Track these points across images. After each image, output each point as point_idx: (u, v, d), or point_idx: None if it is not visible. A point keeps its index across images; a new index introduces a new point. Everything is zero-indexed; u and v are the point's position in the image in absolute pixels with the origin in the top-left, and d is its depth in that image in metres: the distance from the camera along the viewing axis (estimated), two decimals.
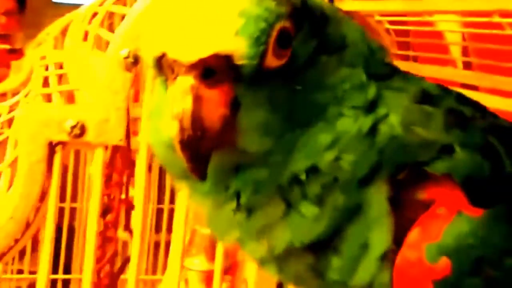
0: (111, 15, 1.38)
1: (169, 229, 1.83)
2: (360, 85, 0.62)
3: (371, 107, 0.62)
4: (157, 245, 2.37)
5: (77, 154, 2.35)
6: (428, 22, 1.69)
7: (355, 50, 0.65)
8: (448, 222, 0.59)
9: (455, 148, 0.61)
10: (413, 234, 0.59)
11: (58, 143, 0.91)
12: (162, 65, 0.60)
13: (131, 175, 1.24)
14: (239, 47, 0.56)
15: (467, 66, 1.76)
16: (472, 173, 0.60)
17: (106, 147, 0.92)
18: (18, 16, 2.89)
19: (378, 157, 0.61)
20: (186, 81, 0.57)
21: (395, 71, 0.68)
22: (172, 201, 2.28)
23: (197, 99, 0.56)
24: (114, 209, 1.30)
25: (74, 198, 2.41)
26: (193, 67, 0.56)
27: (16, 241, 0.95)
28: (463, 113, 0.64)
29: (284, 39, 0.59)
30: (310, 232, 0.61)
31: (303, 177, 0.61)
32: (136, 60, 0.88)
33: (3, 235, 0.93)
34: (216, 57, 0.56)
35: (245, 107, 0.59)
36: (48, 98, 1.18)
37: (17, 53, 2.65)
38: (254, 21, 0.57)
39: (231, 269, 1.15)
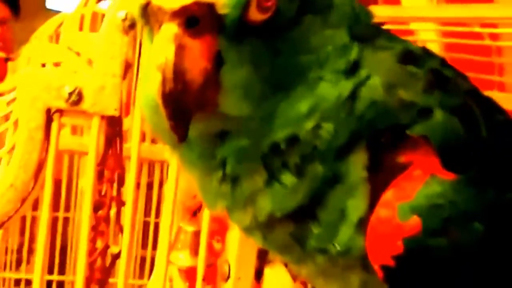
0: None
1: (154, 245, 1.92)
2: (343, 47, 0.62)
3: (352, 69, 0.61)
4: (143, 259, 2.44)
5: (70, 168, 2.45)
6: (409, 30, 1.68)
7: (341, 10, 0.64)
8: (421, 184, 0.59)
9: (434, 110, 0.61)
10: (388, 194, 0.60)
11: (56, 110, 0.91)
12: (148, 14, 0.59)
13: (122, 174, 1.25)
14: None
15: None
16: (448, 137, 0.61)
17: (103, 117, 0.92)
18: (11, 24, 2.88)
19: (358, 124, 0.61)
20: (170, 29, 0.56)
21: (381, 32, 0.68)
22: (157, 215, 2.36)
23: (180, 48, 0.55)
24: (106, 205, 1.32)
25: (67, 209, 2.51)
26: (176, 15, 0.55)
27: (16, 210, 0.95)
28: (445, 75, 0.65)
29: None
30: (290, 201, 0.61)
31: (282, 146, 0.60)
32: (133, 24, 0.88)
33: (4, 202, 0.93)
34: (199, 4, 0.55)
35: (228, 63, 0.58)
36: None
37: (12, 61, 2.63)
38: None
39: (213, 264, 1.17)
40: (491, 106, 0.67)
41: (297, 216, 0.62)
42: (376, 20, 0.68)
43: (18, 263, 2.43)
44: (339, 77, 0.60)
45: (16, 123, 1.12)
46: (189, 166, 0.67)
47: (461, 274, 0.60)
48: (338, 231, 0.62)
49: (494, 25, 1.45)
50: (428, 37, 1.68)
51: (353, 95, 0.60)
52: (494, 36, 1.50)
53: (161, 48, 0.55)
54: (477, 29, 1.48)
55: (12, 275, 2.37)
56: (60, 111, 0.91)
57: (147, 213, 2.45)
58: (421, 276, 0.60)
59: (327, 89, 0.60)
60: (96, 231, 1.33)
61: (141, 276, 2.40)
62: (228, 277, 1.01)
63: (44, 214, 0.96)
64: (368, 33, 0.65)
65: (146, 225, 2.42)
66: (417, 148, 0.60)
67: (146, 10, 0.59)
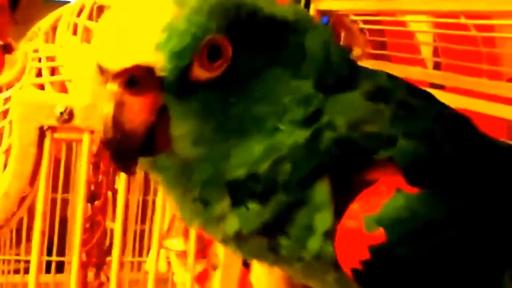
0: (100, 7, 1.42)
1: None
2: (305, 98, 0.66)
3: (312, 118, 0.65)
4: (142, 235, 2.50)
5: (68, 148, 2.43)
6: (401, 22, 1.76)
7: (313, 61, 0.67)
8: (387, 198, 0.65)
9: (398, 138, 0.66)
10: (354, 206, 0.65)
11: (48, 127, 0.98)
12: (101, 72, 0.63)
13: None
14: (158, 61, 0.59)
15: (437, 66, 1.84)
16: (412, 158, 0.66)
17: (92, 132, 0.98)
18: (10, 13, 2.89)
19: (321, 159, 0.65)
20: (112, 88, 0.60)
21: (355, 70, 0.72)
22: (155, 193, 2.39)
23: (119, 105, 0.60)
24: (102, 195, 1.38)
25: (66, 190, 2.52)
26: (118, 75, 0.60)
27: (13, 214, 1.02)
28: (410, 105, 0.70)
29: (214, 53, 0.61)
30: (255, 222, 0.66)
31: (244, 181, 0.65)
32: None
33: None
34: (139, 67, 0.59)
35: (174, 116, 0.62)
36: (41, 88, 1.24)
37: (10, 50, 2.68)
38: (178, 36, 0.59)
39: (206, 248, 1.23)
40: (459, 125, 0.74)
41: (266, 232, 0.67)
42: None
43: (18, 242, 2.47)
44: (295, 127, 0.65)
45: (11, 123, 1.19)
46: (166, 186, 0.71)
47: (424, 277, 0.66)
48: (306, 243, 0.67)
49: (480, 17, 1.51)
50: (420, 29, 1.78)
51: (315, 138, 0.65)
52: (484, 28, 1.54)
53: (104, 103, 0.61)
54: (463, 21, 1.53)
55: (12, 257, 2.42)
56: (53, 128, 0.98)
57: (146, 192, 2.51)
58: (388, 278, 0.66)
59: (283, 138, 0.64)
60: (93, 221, 1.39)
61: (140, 253, 2.48)
62: (217, 266, 1.08)
63: (37, 225, 1.02)
64: (340, 77, 0.69)
65: (145, 202, 2.49)
66: (383, 167, 0.66)
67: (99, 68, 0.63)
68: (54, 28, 2.24)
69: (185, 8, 0.60)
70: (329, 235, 0.66)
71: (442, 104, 0.77)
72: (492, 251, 0.69)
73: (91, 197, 1.35)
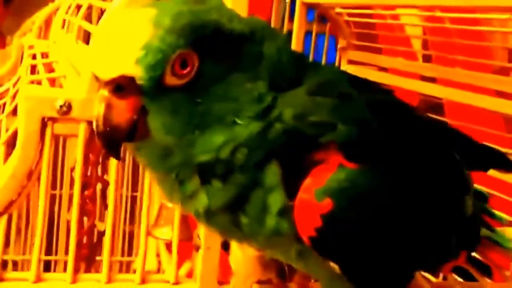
0: (90, 5, 1.53)
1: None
2: (258, 97, 0.81)
3: (264, 113, 0.81)
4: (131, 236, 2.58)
5: (56, 146, 2.43)
6: (390, 15, 1.80)
7: (267, 64, 0.83)
8: (331, 172, 0.80)
9: (337, 125, 0.81)
10: (307, 182, 0.80)
11: (49, 118, 1.12)
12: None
13: (106, 157, 1.43)
14: (138, 72, 0.75)
15: (428, 59, 1.91)
16: (349, 140, 0.81)
17: (89, 122, 1.12)
18: (3, 5, 3.00)
19: (271, 146, 0.81)
20: (103, 93, 0.77)
21: (306, 67, 0.88)
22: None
23: (108, 107, 0.77)
24: (92, 185, 1.49)
25: (53, 187, 2.51)
26: (107, 83, 0.77)
27: (12, 202, 1.16)
28: (347, 95, 0.85)
29: (183, 64, 0.77)
30: (220, 199, 0.82)
31: (209, 164, 0.81)
32: None
33: (6, 191, 1.14)
34: (123, 77, 0.76)
35: (151, 113, 0.78)
36: (39, 83, 1.36)
37: (3, 40, 2.82)
38: (153, 52, 0.75)
39: (191, 237, 1.34)
40: (390, 109, 0.89)
41: (230, 209, 0.83)
42: None
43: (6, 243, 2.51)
44: (250, 121, 0.80)
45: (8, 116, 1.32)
46: (150, 170, 0.89)
47: (367, 236, 0.82)
48: (263, 221, 0.83)
49: (466, 11, 1.54)
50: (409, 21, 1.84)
51: (266, 129, 0.81)
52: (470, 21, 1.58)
53: (97, 105, 0.78)
54: (439, 14, 1.58)
55: (11, 256, 2.41)
56: (53, 119, 1.12)
57: (134, 188, 2.59)
58: (338, 241, 0.82)
59: (240, 130, 0.80)
60: (82, 210, 1.50)
61: (129, 253, 2.54)
62: (199, 247, 1.19)
63: (41, 206, 1.17)
64: (291, 77, 0.85)
65: (134, 200, 2.57)
66: (327, 149, 0.81)
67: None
68: (48, 22, 2.35)
69: (160, 29, 0.76)
70: (283, 213, 0.82)
71: (381, 91, 0.96)
72: (423, 215, 0.86)
73: (82, 187, 1.48)
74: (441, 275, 1.25)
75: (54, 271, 2.33)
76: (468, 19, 1.54)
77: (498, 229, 1.12)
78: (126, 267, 2.49)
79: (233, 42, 0.81)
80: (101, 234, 1.65)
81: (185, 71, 0.77)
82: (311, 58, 1.96)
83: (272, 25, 1.89)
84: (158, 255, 1.95)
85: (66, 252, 1.38)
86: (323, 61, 1.99)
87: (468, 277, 1.18)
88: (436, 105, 1.77)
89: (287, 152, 0.81)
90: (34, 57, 1.72)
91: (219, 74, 0.80)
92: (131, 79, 0.76)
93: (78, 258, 1.42)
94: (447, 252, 0.94)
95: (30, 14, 2.61)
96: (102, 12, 1.43)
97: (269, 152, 0.81)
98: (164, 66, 0.76)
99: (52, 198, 2.40)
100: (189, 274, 1.25)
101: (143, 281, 1.20)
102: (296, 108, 0.81)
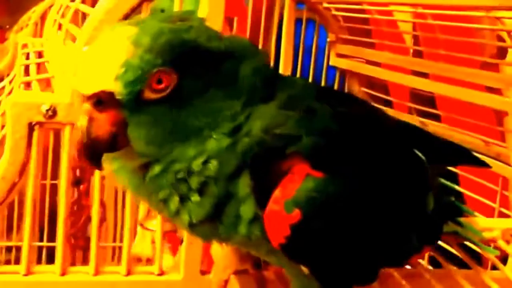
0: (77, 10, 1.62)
1: None
2: (233, 116, 0.87)
3: (235, 130, 0.87)
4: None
5: (57, 135, 2.53)
6: (377, 10, 1.87)
7: (243, 84, 0.88)
8: (300, 183, 0.85)
9: (302, 136, 0.86)
10: (276, 193, 0.85)
11: (36, 123, 1.21)
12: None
13: None
14: (117, 88, 0.81)
15: (419, 55, 1.93)
16: (313, 150, 0.86)
17: (73, 125, 1.21)
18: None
19: (241, 159, 0.86)
20: (85, 106, 0.83)
21: (279, 83, 0.94)
22: None
23: (90, 119, 0.83)
24: (86, 180, 1.58)
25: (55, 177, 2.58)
26: (89, 98, 0.83)
27: (3, 200, 1.25)
28: (313, 109, 0.91)
29: (161, 80, 0.83)
30: (200, 213, 0.88)
31: (181, 176, 0.87)
32: None
33: None
34: (104, 92, 0.81)
35: (130, 125, 0.84)
36: (29, 84, 1.45)
37: (2, 35, 2.94)
38: (131, 70, 0.81)
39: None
40: (354, 118, 0.95)
41: (209, 221, 0.89)
42: None
43: (9, 230, 2.51)
44: (222, 137, 0.86)
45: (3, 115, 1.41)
46: (134, 194, 0.96)
47: (333, 242, 0.88)
48: (237, 228, 0.89)
49: (435, 7, 1.61)
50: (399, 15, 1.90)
51: (235, 143, 0.86)
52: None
53: (80, 118, 0.84)
54: (420, 10, 1.66)
55: (3, 243, 2.44)
56: (40, 123, 1.21)
57: None
58: (307, 247, 0.87)
59: (212, 144, 0.86)
60: (78, 204, 1.59)
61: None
62: (182, 241, 1.28)
63: (28, 210, 1.27)
64: (263, 94, 0.90)
65: None
66: (294, 159, 0.86)
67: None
68: (44, 18, 2.42)
69: (139, 48, 0.82)
70: (254, 221, 0.88)
71: (350, 100, 1.05)
72: (385, 217, 0.92)
73: (76, 182, 1.58)
74: None
75: None
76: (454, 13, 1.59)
77: (468, 220, 1.19)
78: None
79: (212, 60, 0.87)
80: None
81: (162, 87, 0.83)
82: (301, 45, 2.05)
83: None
84: (153, 242, 2.02)
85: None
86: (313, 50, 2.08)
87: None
88: (428, 97, 1.83)
89: (257, 163, 0.87)
90: (28, 56, 1.81)
91: (197, 90, 0.86)
92: (111, 94, 0.82)
93: (75, 247, 1.58)
94: (410, 248, 1.00)
95: (27, 8, 2.71)
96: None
97: (240, 164, 0.87)
98: (143, 83, 0.82)
99: (54, 188, 2.41)
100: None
101: (129, 272, 1.30)
102: (265, 121, 0.87)
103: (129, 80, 0.82)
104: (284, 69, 1.92)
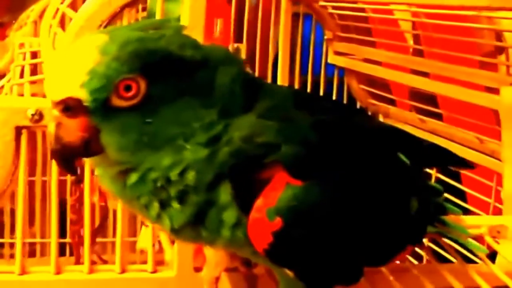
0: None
1: None
2: (208, 125, 0.89)
3: (213, 140, 0.88)
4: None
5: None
6: (378, 9, 1.93)
7: (219, 93, 0.90)
8: (280, 192, 0.88)
9: (281, 145, 0.89)
10: (258, 202, 0.88)
11: (23, 127, 1.25)
12: None
13: None
14: (83, 95, 0.83)
15: (420, 54, 1.97)
16: (292, 159, 0.89)
17: None
18: None
19: (220, 169, 0.88)
20: (54, 112, 0.85)
21: (260, 92, 0.96)
22: None
23: (58, 125, 0.85)
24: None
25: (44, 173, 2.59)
26: (57, 104, 0.85)
27: None
28: (292, 118, 0.94)
29: (127, 87, 0.84)
30: (181, 219, 0.91)
31: (160, 184, 0.89)
32: None
33: None
34: (71, 99, 0.83)
35: (103, 132, 0.86)
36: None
37: (3, 32, 2.96)
38: (97, 78, 0.83)
39: None
40: (332, 126, 0.97)
41: (191, 225, 0.92)
42: None
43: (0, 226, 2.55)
44: (199, 147, 0.88)
45: None
46: (115, 195, 0.96)
47: (317, 246, 0.91)
48: (220, 233, 0.91)
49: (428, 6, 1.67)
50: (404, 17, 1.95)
51: (214, 153, 0.88)
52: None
53: (50, 124, 0.86)
54: (414, 9, 1.73)
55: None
56: (27, 127, 1.25)
57: None
58: (290, 253, 0.91)
59: (188, 155, 0.88)
60: (81, 202, 1.59)
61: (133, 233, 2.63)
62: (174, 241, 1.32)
63: (20, 207, 1.31)
64: (242, 103, 0.92)
65: None
66: (274, 168, 0.89)
67: None
68: (43, 17, 2.44)
69: (106, 56, 0.84)
70: (238, 225, 0.91)
71: (329, 107, 1.07)
72: (367, 221, 0.95)
73: (77, 180, 1.58)
74: None
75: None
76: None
77: (454, 219, 1.22)
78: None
79: (185, 68, 0.88)
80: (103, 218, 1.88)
81: (130, 95, 0.85)
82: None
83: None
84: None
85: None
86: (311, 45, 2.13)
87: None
88: (427, 95, 1.88)
89: (237, 172, 0.89)
90: (25, 57, 1.85)
91: (169, 98, 0.87)
92: (78, 101, 0.84)
93: (79, 244, 1.63)
94: (393, 249, 1.04)
95: (29, 5, 2.75)
96: None
97: (219, 173, 0.89)
98: (108, 90, 0.84)
99: (63, 184, 2.41)
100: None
101: (123, 270, 1.35)
102: (244, 131, 0.89)
103: (94, 87, 0.84)
104: (283, 65, 1.96)
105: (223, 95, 0.91)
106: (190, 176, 0.88)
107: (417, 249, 1.39)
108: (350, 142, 0.98)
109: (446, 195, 1.71)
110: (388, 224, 0.99)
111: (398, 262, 1.21)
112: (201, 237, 0.94)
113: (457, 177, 1.95)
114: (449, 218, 1.20)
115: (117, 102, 0.85)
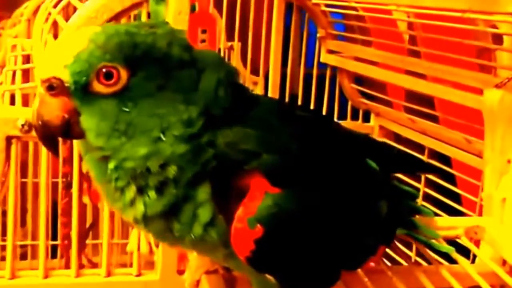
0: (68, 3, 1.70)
1: None
2: (188, 121, 0.95)
3: (192, 137, 0.95)
4: None
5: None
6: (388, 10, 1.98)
7: (203, 93, 0.97)
8: (260, 201, 0.95)
9: (262, 153, 0.97)
10: (239, 212, 0.95)
11: (13, 136, 1.34)
12: None
13: None
14: (65, 76, 0.92)
15: (417, 55, 2.03)
16: (271, 167, 0.97)
17: None
18: None
19: (202, 168, 0.96)
20: (39, 90, 0.94)
21: (247, 101, 1.04)
22: None
23: (41, 102, 0.94)
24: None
25: (35, 175, 2.72)
26: (43, 82, 0.93)
27: None
28: (274, 127, 1.02)
29: (108, 75, 0.93)
30: (155, 207, 0.97)
31: (142, 171, 0.95)
32: None
33: None
34: (55, 78, 0.92)
35: (82, 114, 0.94)
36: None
37: None
38: (79, 61, 0.92)
39: None
40: (311, 137, 1.06)
41: (164, 216, 0.98)
42: None
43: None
44: (175, 141, 0.94)
45: None
46: (95, 179, 1.03)
47: (297, 251, 0.99)
48: (192, 228, 0.98)
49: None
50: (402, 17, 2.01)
51: (198, 151, 0.96)
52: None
53: (35, 100, 0.95)
54: (402, 9, 1.79)
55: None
56: (17, 137, 1.34)
57: None
58: (271, 259, 0.98)
59: (163, 147, 0.94)
60: (69, 206, 1.66)
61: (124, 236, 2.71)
62: (158, 244, 1.41)
63: (10, 215, 1.41)
64: (226, 108, 0.99)
65: None
66: (253, 175, 0.96)
67: None
68: (35, 15, 2.49)
69: (92, 44, 0.93)
70: (211, 224, 0.98)
71: (308, 118, 1.15)
72: (341, 224, 1.04)
73: (67, 185, 1.67)
74: None
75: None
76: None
77: (424, 221, 1.33)
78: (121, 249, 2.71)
79: (170, 65, 0.96)
80: (91, 225, 1.93)
81: (110, 82, 0.93)
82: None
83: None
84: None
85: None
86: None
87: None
88: (422, 95, 1.95)
89: (219, 174, 0.97)
90: (16, 61, 1.93)
91: (150, 90, 0.95)
92: (61, 81, 0.93)
93: (68, 247, 1.67)
94: (367, 251, 1.12)
95: (21, 3, 2.84)
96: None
97: (201, 172, 0.96)
98: (89, 74, 0.93)
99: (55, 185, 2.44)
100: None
101: (109, 274, 1.45)
102: (229, 137, 0.98)
103: (76, 70, 0.93)
104: (275, 58, 2.10)
105: (206, 96, 0.98)
106: (172, 170, 0.95)
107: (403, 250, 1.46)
108: (325, 150, 1.07)
109: (441, 197, 1.86)
110: (361, 226, 1.08)
111: (372, 264, 1.30)
112: (171, 231, 1.00)
113: (452, 179, 2.04)
114: (421, 220, 1.31)
115: (97, 87, 0.94)
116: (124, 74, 0.94)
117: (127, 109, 0.94)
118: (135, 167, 0.95)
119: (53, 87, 0.94)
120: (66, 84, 0.93)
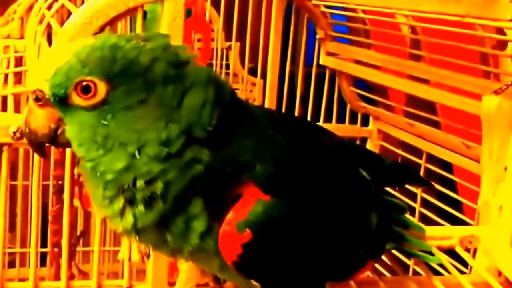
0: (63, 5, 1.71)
1: None
2: (166, 140, 0.99)
3: (171, 156, 0.99)
4: None
5: None
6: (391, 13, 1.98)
7: (186, 112, 1.00)
8: (251, 206, 1.00)
9: (256, 165, 1.02)
10: (229, 216, 1.00)
11: (5, 144, 1.38)
12: None
13: None
14: (45, 88, 0.99)
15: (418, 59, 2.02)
16: (265, 177, 1.02)
17: None
18: None
19: (190, 183, 1.00)
20: (30, 100, 1.01)
21: (242, 115, 1.08)
22: None
23: (30, 112, 1.02)
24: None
25: (26, 178, 2.79)
26: (31, 93, 1.00)
27: None
28: (268, 139, 1.07)
29: (86, 88, 0.98)
30: (145, 220, 1.01)
31: (126, 185, 1.00)
32: None
33: None
34: (39, 91, 0.99)
35: (66, 124, 1.00)
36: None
37: None
38: (59, 75, 0.98)
39: None
40: (303, 147, 1.11)
41: (156, 228, 1.02)
42: None
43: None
44: (150, 160, 0.99)
45: None
46: (87, 186, 1.07)
47: (284, 259, 1.03)
48: (186, 239, 1.02)
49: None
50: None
51: (187, 167, 1.00)
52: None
53: (25, 108, 1.03)
54: (400, 12, 1.84)
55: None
56: (8, 144, 1.38)
57: None
58: (258, 265, 1.03)
59: (139, 164, 0.99)
60: (60, 213, 1.66)
61: (117, 243, 2.81)
62: (149, 255, 1.43)
63: (0, 223, 1.44)
64: (214, 128, 1.02)
65: None
66: (247, 185, 1.01)
67: None
68: (29, 13, 2.53)
69: (75, 58, 0.98)
70: (208, 233, 1.02)
71: (301, 128, 1.21)
72: (330, 234, 1.08)
73: (58, 190, 1.73)
74: None
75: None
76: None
77: (414, 234, 1.36)
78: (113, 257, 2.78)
79: (152, 81, 0.99)
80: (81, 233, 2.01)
81: (88, 95, 0.98)
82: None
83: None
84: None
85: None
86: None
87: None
88: (427, 102, 1.95)
89: (211, 187, 1.01)
90: (9, 64, 1.99)
91: (128, 104, 0.99)
92: (43, 93, 1.00)
93: (58, 256, 1.75)
94: (355, 263, 1.16)
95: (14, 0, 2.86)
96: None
97: (190, 187, 1.01)
98: (67, 87, 0.99)
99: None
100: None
101: (99, 286, 1.49)
102: (224, 152, 1.02)
103: (54, 83, 0.99)
104: (273, 57, 2.14)
105: (190, 114, 1.01)
106: (158, 186, 0.99)
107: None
108: (317, 160, 1.12)
109: (442, 205, 1.91)
110: (350, 237, 1.12)
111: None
112: (166, 242, 1.05)
113: (452, 186, 2.09)
114: (411, 233, 1.34)
115: (76, 100, 1.00)
116: (102, 87, 0.99)
117: (105, 122, 0.99)
118: (114, 180, 1.01)
119: (39, 98, 1.01)
120: (47, 97, 1.00)
